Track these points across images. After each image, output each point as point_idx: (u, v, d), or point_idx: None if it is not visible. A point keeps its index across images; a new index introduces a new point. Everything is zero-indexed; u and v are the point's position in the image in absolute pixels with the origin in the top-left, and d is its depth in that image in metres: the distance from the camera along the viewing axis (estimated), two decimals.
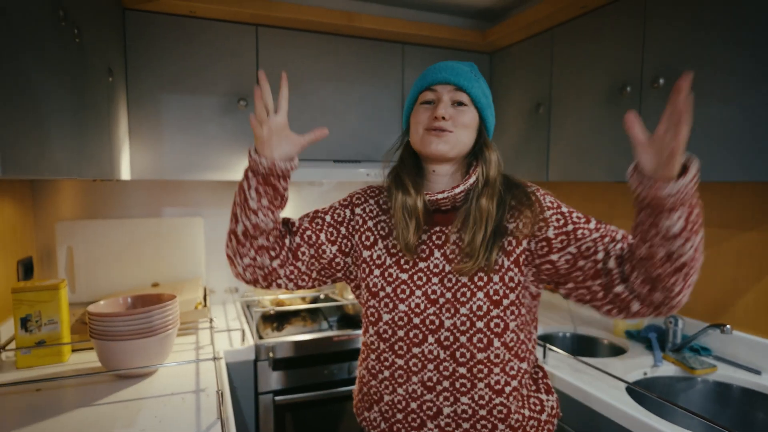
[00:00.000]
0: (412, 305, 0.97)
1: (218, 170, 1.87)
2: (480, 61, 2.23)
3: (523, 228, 0.96)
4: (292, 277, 1.03)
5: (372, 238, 1.03)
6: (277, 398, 1.72)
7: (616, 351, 1.76)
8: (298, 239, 1.03)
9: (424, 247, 1.00)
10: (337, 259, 1.05)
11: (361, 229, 1.05)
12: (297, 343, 1.75)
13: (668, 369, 1.52)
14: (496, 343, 0.95)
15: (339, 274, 1.08)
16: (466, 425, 0.97)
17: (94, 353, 1.41)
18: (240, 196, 0.95)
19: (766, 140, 1.19)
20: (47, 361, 1.39)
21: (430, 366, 0.96)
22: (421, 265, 0.99)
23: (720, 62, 1.27)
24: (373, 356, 1.03)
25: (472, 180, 0.99)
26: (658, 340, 1.66)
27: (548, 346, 1.57)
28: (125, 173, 1.68)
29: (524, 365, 1.00)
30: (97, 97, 1.28)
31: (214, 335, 1.63)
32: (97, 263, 1.94)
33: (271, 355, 1.70)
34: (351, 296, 2.12)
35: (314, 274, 1.06)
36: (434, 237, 1.00)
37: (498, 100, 2.16)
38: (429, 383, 0.97)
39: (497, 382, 0.96)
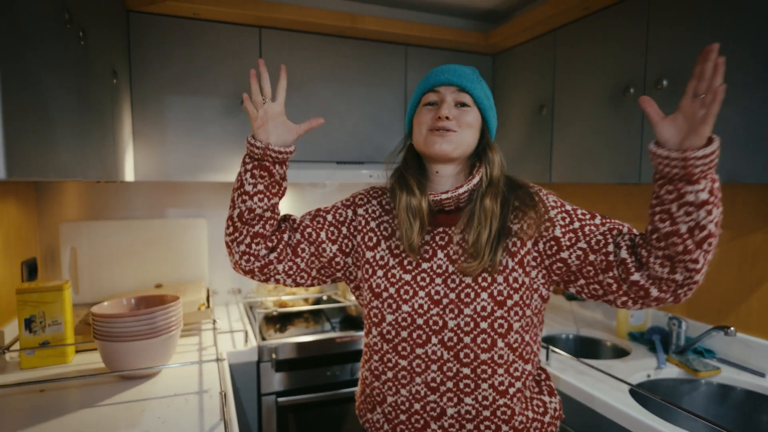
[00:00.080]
0: (416, 306, 0.97)
1: (221, 171, 1.87)
2: (483, 63, 2.23)
3: (527, 229, 0.97)
4: (291, 273, 1.04)
5: (375, 239, 1.04)
6: (280, 399, 1.72)
7: (620, 353, 1.76)
8: (298, 235, 1.03)
9: (427, 247, 1.00)
10: (337, 259, 1.05)
11: (364, 230, 1.05)
12: (300, 345, 1.75)
13: (672, 371, 1.51)
14: (500, 344, 0.95)
15: (339, 274, 1.09)
16: (469, 426, 0.97)
17: (97, 354, 1.42)
18: (238, 182, 0.99)
19: None
20: (51, 362, 1.39)
21: (434, 367, 0.96)
22: (425, 265, 0.99)
23: (724, 63, 1.27)
24: (376, 357, 1.03)
25: (475, 180, 0.99)
26: (661, 342, 1.66)
27: (551, 347, 1.57)
28: (129, 175, 1.68)
29: (528, 367, 1.00)
30: (101, 98, 1.29)
31: (217, 336, 1.64)
32: (100, 264, 1.95)
33: (273, 356, 1.71)
34: (353, 297, 2.12)
35: (314, 273, 1.06)
36: (437, 237, 1.00)
37: (501, 102, 2.17)
38: (432, 384, 0.97)
39: (501, 383, 0.96)
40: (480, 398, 0.96)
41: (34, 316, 1.37)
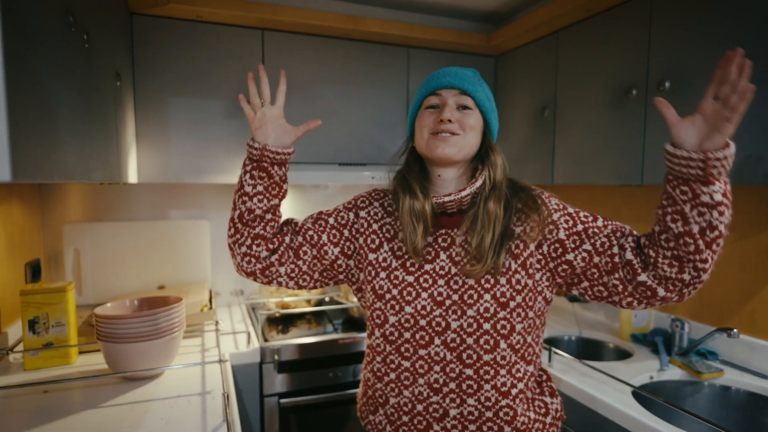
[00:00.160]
0: (419, 307, 0.97)
1: (224, 173, 1.88)
2: (485, 65, 2.23)
3: (530, 232, 0.97)
4: (293, 275, 1.04)
5: (377, 241, 1.04)
6: (282, 401, 1.72)
7: (622, 355, 1.75)
8: (300, 238, 1.04)
9: (430, 249, 1.00)
10: (339, 261, 1.06)
11: (366, 233, 1.05)
12: (302, 346, 1.75)
13: (675, 373, 1.51)
14: (503, 345, 0.96)
15: (341, 276, 1.09)
16: (472, 427, 0.97)
17: (100, 355, 1.42)
18: (238, 183, 1.02)
19: None
20: (54, 363, 1.40)
21: (437, 368, 0.97)
22: (427, 267, 0.99)
23: None
24: (378, 359, 1.03)
25: (478, 183, 0.99)
26: (664, 343, 1.65)
27: (554, 349, 1.56)
28: (132, 176, 1.69)
29: (530, 368, 1.00)
30: (105, 101, 1.29)
31: (219, 338, 1.64)
32: (103, 266, 1.95)
33: (276, 357, 1.71)
34: (356, 299, 2.12)
35: (316, 275, 1.07)
36: (440, 239, 1.01)
37: (503, 104, 2.17)
38: (435, 385, 0.97)
39: (503, 384, 0.96)
40: (483, 399, 0.96)
41: (38, 318, 1.38)
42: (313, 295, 2.18)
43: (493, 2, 2.00)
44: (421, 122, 1.01)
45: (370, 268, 1.03)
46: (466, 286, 0.96)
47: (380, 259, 1.02)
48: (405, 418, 1.00)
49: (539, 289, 0.98)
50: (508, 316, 0.95)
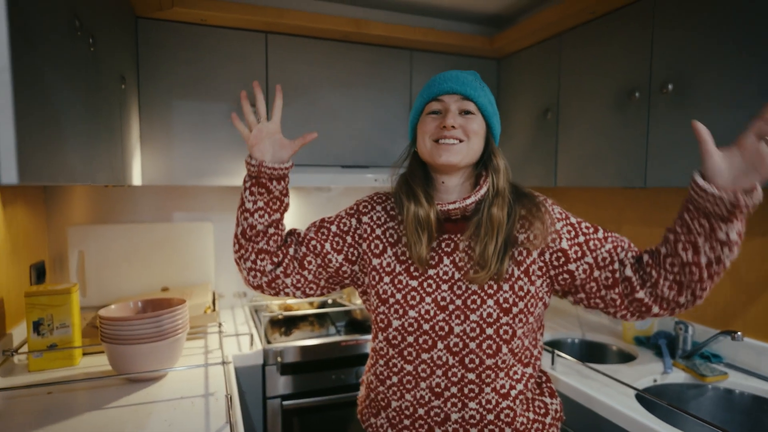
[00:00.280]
0: (422, 311, 0.97)
1: (227, 176, 1.88)
2: (488, 67, 2.24)
3: (534, 240, 0.98)
4: (300, 285, 1.05)
5: (381, 246, 1.04)
6: (285, 403, 1.72)
7: (626, 357, 1.75)
8: (304, 249, 1.04)
9: (433, 254, 1.00)
10: (344, 268, 1.06)
11: (370, 238, 1.05)
12: (305, 348, 1.75)
13: (678, 376, 1.50)
14: (504, 350, 0.96)
15: (347, 281, 1.09)
16: (473, 431, 0.97)
17: (104, 357, 1.43)
18: (240, 200, 1.02)
19: None
20: (59, 364, 1.40)
21: (439, 372, 0.97)
22: (431, 272, 0.99)
23: (728, 67, 1.27)
24: (381, 362, 1.03)
25: (482, 191, 0.99)
26: (668, 346, 1.65)
27: (557, 352, 1.56)
28: (136, 179, 1.70)
29: (528, 369, 1.01)
30: (110, 104, 1.30)
31: (222, 339, 1.64)
32: (108, 268, 1.96)
33: (279, 359, 1.71)
34: (359, 301, 2.12)
35: (322, 283, 1.07)
36: (443, 244, 1.01)
37: (506, 106, 2.17)
38: (437, 389, 0.97)
39: (502, 386, 0.97)
40: (484, 402, 0.96)
41: (42, 319, 1.38)
42: (315, 297, 2.18)
43: (496, 5, 2.00)
44: (424, 128, 1.00)
45: (374, 273, 1.03)
46: (470, 291, 0.97)
47: (384, 264, 1.02)
48: (406, 422, 1.00)
49: (540, 295, 0.99)
50: (511, 321, 0.95)
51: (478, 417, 0.96)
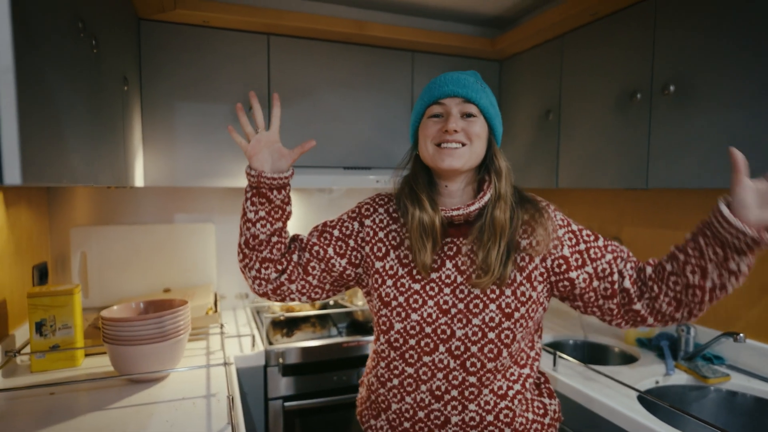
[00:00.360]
0: (425, 315, 0.97)
1: (229, 177, 1.89)
2: (489, 69, 2.24)
3: (536, 246, 0.98)
4: (305, 291, 1.05)
5: (384, 249, 1.03)
6: (287, 404, 1.72)
7: (628, 359, 1.74)
8: (307, 254, 1.04)
9: (436, 257, 1.00)
10: (348, 271, 1.06)
11: (372, 241, 1.04)
12: (306, 349, 1.75)
13: (680, 378, 1.50)
14: (504, 353, 0.97)
15: (352, 283, 1.09)
16: None
17: (106, 358, 1.43)
18: (242, 210, 1.02)
19: None
20: (61, 365, 1.41)
21: (440, 375, 0.97)
22: (433, 275, 0.99)
23: (731, 68, 1.27)
24: (382, 364, 1.03)
25: (486, 198, 0.99)
26: (670, 348, 1.65)
27: (558, 353, 1.56)
28: (139, 180, 1.70)
29: (525, 370, 1.02)
30: (112, 105, 1.31)
31: (224, 341, 1.65)
32: (110, 269, 1.97)
33: (280, 360, 1.71)
34: (360, 303, 2.12)
35: (327, 286, 1.07)
36: (446, 248, 1.01)
37: (508, 107, 2.17)
38: (437, 392, 0.97)
39: (500, 388, 0.98)
40: (482, 403, 0.97)
41: (45, 320, 1.39)
42: None
43: (498, 7, 2.01)
44: (425, 132, 1.00)
45: (377, 276, 1.03)
46: (472, 296, 0.97)
47: (387, 267, 1.02)
48: (407, 425, 1.00)
49: (540, 300, 1.00)
50: (512, 326, 0.96)
51: (477, 419, 0.97)
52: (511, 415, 0.98)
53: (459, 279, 0.98)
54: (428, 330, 0.97)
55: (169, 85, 1.79)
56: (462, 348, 0.96)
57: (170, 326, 1.31)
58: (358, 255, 1.05)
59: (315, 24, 1.85)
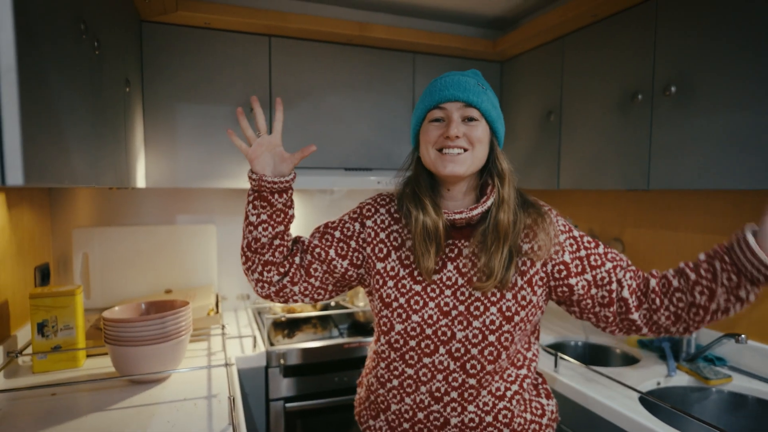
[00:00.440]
0: (425, 316, 0.97)
1: (231, 178, 1.89)
2: (491, 70, 2.24)
3: (538, 251, 0.98)
4: (307, 292, 1.05)
5: (385, 250, 1.03)
6: (288, 405, 1.72)
7: (629, 360, 1.74)
8: (309, 256, 1.04)
9: (437, 259, 1.00)
10: (350, 272, 1.06)
11: (374, 242, 1.04)
12: (308, 350, 1.75)
13: (682, 379, 1.50)
14: (503, 356, 0.97)
15: (354, 283, 1.09)
16: None
17: (108, 358, 1.43)
18: (245, 212, 1.02)
19: None
20: (63, 366, 1.41)
21: (439, 376, 0.97)
22: (435, 277, 0.99)
23: (732, 69, 1.27)
24: (383, 365, 1.03)
25: (489, 202, 0.98)
26: (671, 349, 1.64)
27: (560, 354, 1.56)
28: (140, 181, 1.71)
29: (522, 371, 1.02)
30: (114, 107, 1.31)
31: (225, 342, 1.65)
32: (111, 270, 1.97)
33: (282, 361, 1.71)
34: (362, 303, 2.12)
35: (330, 287, 1.07)
36: (447, 250, 1.01)
37: (509, 109, 2.17)
38: (437, 394, 0.97)
39: (498, 389, 0.98)
40: (481, 404, 0.97)
41: (47, 321, 1.39)
42: None
43: (499, 8, 2.01)
44: (426, 137, 0.98)
45: (378, 277, 1.03)
46: (473, 298, 0.97)
47: (388, 268, 1.02)
48: (406, 425, 1.00)
49: (540, 304, 1.00)
50: (512, 329, 0.96)
51: (477, 420, 0.97)
52: (509, 415, 0.99)
53: (460, 281, 0.98)
54: (429, 331, 0.97)
55: (170, 87, 1.79)
56: (462, 350, 0.96)
57: (172, 327, 1.31)
58: (360, 256, 1.05)
59: (316, 25, 1.85)
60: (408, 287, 0.99)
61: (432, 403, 0.98)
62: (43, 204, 1.84)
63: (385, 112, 2.09)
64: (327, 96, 1.99)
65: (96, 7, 1.11)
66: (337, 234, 1.06)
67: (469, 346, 0.95)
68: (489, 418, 0.97)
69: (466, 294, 0.97)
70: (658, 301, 0.93)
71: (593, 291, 0.98)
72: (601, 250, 1.00)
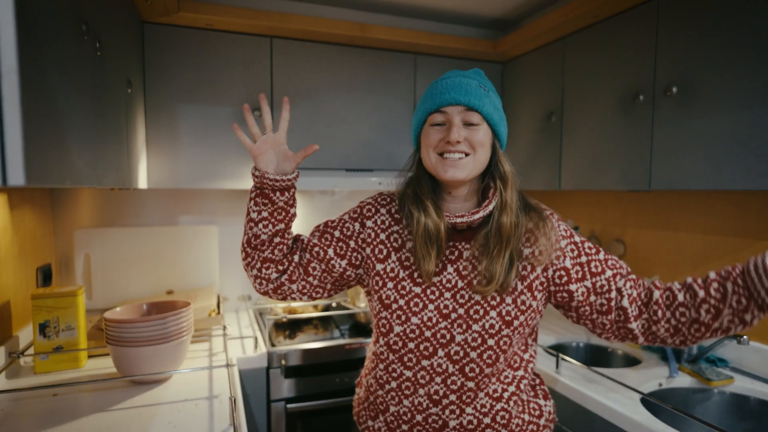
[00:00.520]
0: (425, 318, 0.97)
1: (233, 179, 1.89)
2: (492, 71, 2.24)
3: (539, 256, 0.98)
4: (305, 291, 1.05)
5: (385, 252, 1.03)
6: (289, 406, 1.72)
7: (631, 361, 1.74)
8: (308, 255, 1.04)
9: (438, 261, 1.00)
10: (348, 272, 1.06)
11: (374, 243, 1.04)
12: (309, 351, 1.75)
13: (684, 380, 1.49)
14: (501, 359, 0.97)
15: (353, 283, 1.09)
16: None
17: (109, 359, 1.44)
18: (246, 209, 1.03)
19: None
20: (64, 366, 1.41)
21: (438, 379, 0.97)
22: (434, 279, 0.99)
23: (733, 69, 1.27)
24: (381, 366, 1.03)
25: (491, 207, 0.98)
26: (673, 350, 1.64)
27: (561, 356, 1.55)
28: (142, 182, 1.71)
29: (519, 372, 1.02)
30: (116, 107, 1.31)
31: (227, 342, 1.65)
32: (113, 270, 1.97)
33: (283, 362, 1.71)
34: (363, 304, 2.12)
35: (328, 286, 1.07)
36: (447, 252, 1.00)
37: (510, 110, 2.17)
38: (435, 396, 0.97)
39: (495, 391, 0.98)
40: (479, 407, 0.97)
41: (48, 321, 1.39)
42: (320, 300, 2.18)
43: (500, 9, 2.01)
44: (427, 141, 0.97)
45: (377, 278, 1.02)
46: (473, 301, 0.97)
47: (388, 269, 1.02)
48: (404, 427, 1.00)
49: (539, 308, 1.00)
50: (511, 333, 0.96)
51: (475, 422, 0.97)
52: (507, 416, 0.98)
53: (460, 284, 0.98)
54: (428, 334, 0.97)
55: (172, 88, 1.80)
56: (461, 353, 0.96)
57: (173, 328, 1.31)
58: (359, 256, 1.05)
59: (318, 27, 1.85)
60: (408, 289, 0.99)
61: (430, 405, 0.97)
62: (44, 205, 1.85)
63: (386, 113, 2.09)
64: (328, 97, 2.00)
65: (97, 8, 1.11)
66: (337, 233, 1.06)
67: (468, 350, 0.95)
68: (487, 420, 0.97)
69: (466, 297, 0.97)
70: (660, 313, 0.92)
71: (592, 298, 0.98)
72: (601, 256, 1.00)
